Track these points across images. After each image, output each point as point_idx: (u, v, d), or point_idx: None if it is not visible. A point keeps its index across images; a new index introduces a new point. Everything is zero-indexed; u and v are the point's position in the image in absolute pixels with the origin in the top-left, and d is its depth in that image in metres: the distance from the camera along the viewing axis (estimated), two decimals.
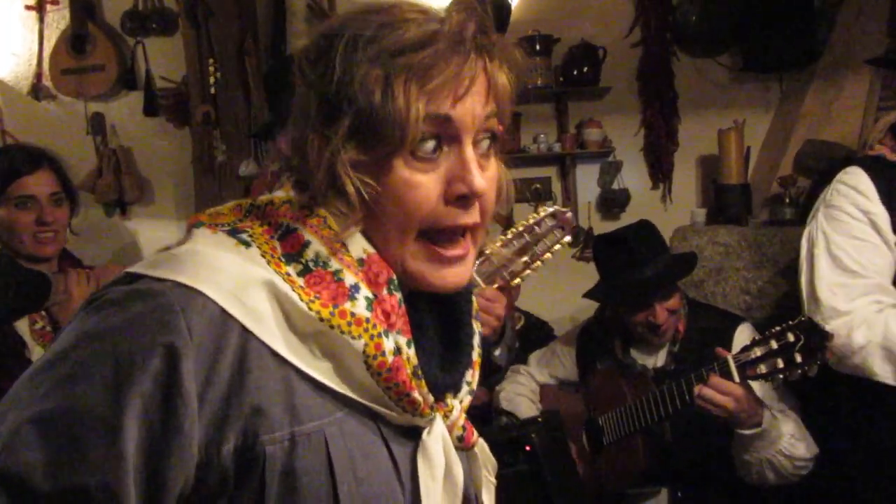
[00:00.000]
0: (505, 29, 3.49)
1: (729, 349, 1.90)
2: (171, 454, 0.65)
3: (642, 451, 1.94)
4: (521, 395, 2.27)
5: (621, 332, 2.13)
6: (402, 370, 0.73)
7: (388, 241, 0.75)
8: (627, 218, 3.49)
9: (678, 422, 1.88)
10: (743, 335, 1.97)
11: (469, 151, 0.74)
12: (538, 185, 3.63)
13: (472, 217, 0.75)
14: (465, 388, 0.83)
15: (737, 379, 1.65)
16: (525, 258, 1.60)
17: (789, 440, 1.78)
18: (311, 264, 0.72)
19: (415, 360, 0.75)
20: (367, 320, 0.72)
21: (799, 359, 1.54)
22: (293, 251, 0.73)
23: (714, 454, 1.89)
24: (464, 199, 0.74)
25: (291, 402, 0.70)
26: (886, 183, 1.71)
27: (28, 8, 3.54)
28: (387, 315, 0.73)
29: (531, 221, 1.61)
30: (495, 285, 1.60)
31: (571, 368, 2.29)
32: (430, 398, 0.77)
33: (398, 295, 0.75)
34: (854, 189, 1.74)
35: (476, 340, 0.87)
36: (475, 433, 0.86)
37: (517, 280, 1.61)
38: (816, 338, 1.54)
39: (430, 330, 0.81)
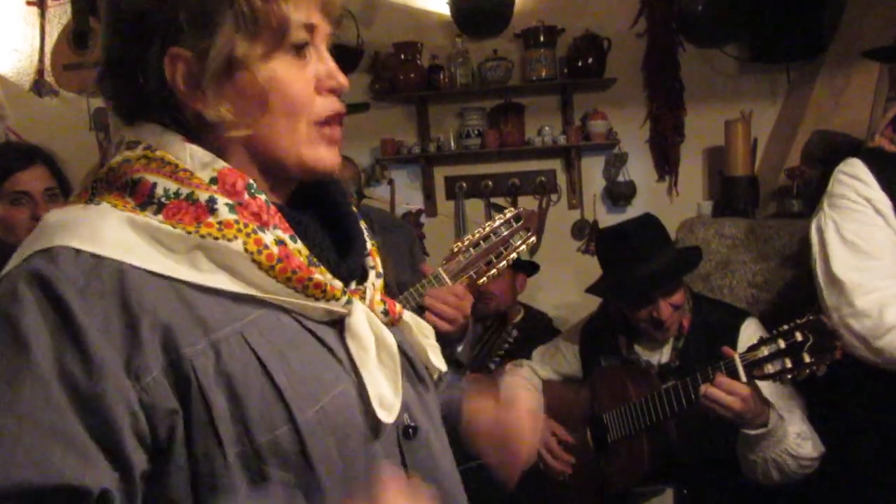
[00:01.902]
0: (508, 21, 3.49)
1: (735, 345, 1.88)
2: (96, 383, 0.68)
3: (647, 450, 1.92)
4: (525, 389, 2.25)
5: (625, 328, 2.10)
6: (292, 258, 0.77)
7: (278, 138, 0.80)
8: (633, 210, 3.47)
9: (684, 421, 1.85)
10: (749, 330, 1.94)
11: (328, 54, 0.84)
12: (543, 178, 3.62)
13: (342, 106, 0.85)
14: (371, 273, 0.90)
15: (743, 378, 1.62)
16: (490, 258, 1.67)
17: (795, 440, 1.75)
18: (163, 200, 0.75)
19: (306, 251, 0.79)
20: (237, 221, 0.75)
21: (808, 359, 1.51)
22: (144, 198, 0.75)
23: (719, 453, 1.87)
24: (335, 92, 0.84)
25: (196, 314, 0.73)
26: (886, 172, 1.71)
27: (29, 3, 3.53)
28: (256, 215, 0.77)
29: (497, 223, 1.68)
30: (461, 282, 1.67)
31: (575, 364, 2.28)
32: (338, 283, 0.81)
33: (261, 197, 0.78)
34: (854, 178, 1.73)
35: (363, 226, 0.94)
36: (398, 305, 0.92)
37: (482, 279, 1.67)
38: (826, 337, 1.51)
39: (311, 224, 0.86)
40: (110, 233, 0.72)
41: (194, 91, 0.77)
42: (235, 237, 0.74)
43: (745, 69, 3.41)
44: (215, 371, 0.72)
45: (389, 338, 0.85)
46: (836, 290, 1.69)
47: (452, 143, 3.62)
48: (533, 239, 1.66)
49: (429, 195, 3.72)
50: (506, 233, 1.66)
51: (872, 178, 1.71)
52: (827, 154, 2.88)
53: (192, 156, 0.77)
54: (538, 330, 2.90)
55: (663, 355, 2.04)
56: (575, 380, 2.28)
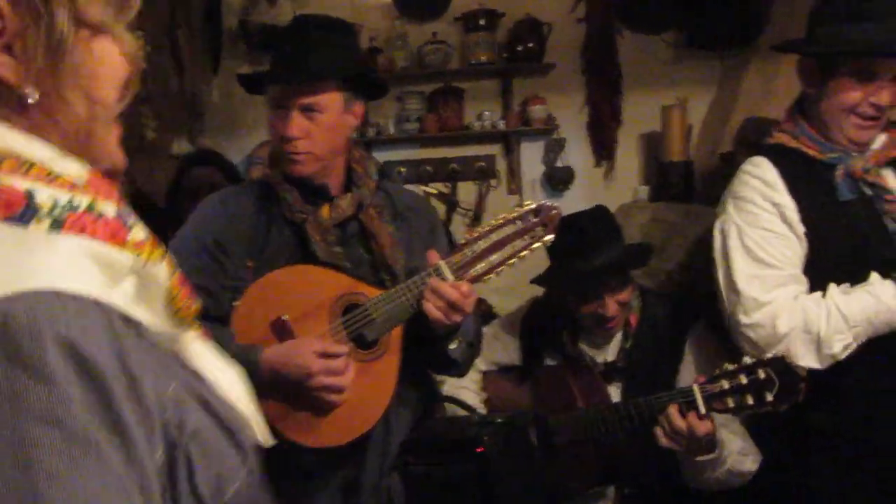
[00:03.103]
0: (448, 4, 3.45)
1: (682, 353, 1.90)
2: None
3: (594, 455, 1.90)
4: (464, 386, 2.18)
5: (570, 323, 2.04)
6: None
7: (95, 134, 0.67)
8: (571, 195, 3.49)
9: (633, 435, 1.82)
10: (698, 338, 1.93)
11: None
12: (482, 164, 3.60)
13: None
14: None
15: (703, 410, 1.60)
16: (501, 253, 1.54)
17: (737, 458, 1.75)
18: (58, 214, 0.59)
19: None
20: (146, 240, 0.65)
21: (770, 398, 1.50)
22: (16, 211, 0.58)
23: (662, 454, 1.83)
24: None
25: (156, 363, 0.64)
26: (791, 171, 1.69)
27: None
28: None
29: (513, 215, 1.56)
30: (467, 278, 1.54)
31: (514, 353, 2.20)
32: None
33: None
34: (761, 180, 1.71)
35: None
36: None
37: (490, 276, 1.55)
38: (790, 378, 1.50)
39: None
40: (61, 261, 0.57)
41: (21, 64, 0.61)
42: (161, 261, 0.65)
43: (680, 56, 3.46)
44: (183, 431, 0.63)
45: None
46: (734, 299, 1.69)
47: (391, 128, 3.56)
48: (551, 237, 1.53)
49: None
50: (520, 227, 1.54)
51: (779, 180, 1.69)
52: (759, 140, 2.95)
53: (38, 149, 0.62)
54: (480, 316, 2.88)
55: (609, 353, 1.99)
56: (513, 369, 2.22)
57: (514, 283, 3.40)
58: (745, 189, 1.73)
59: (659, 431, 1.65)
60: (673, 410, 1.62)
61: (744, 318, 1.67)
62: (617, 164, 3.56)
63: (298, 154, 1.56)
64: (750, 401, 1.52)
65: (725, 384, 1.55)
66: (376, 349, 1.57)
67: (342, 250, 1.59)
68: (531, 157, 3.62)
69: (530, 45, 3.40)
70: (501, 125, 3.51)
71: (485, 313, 3.03)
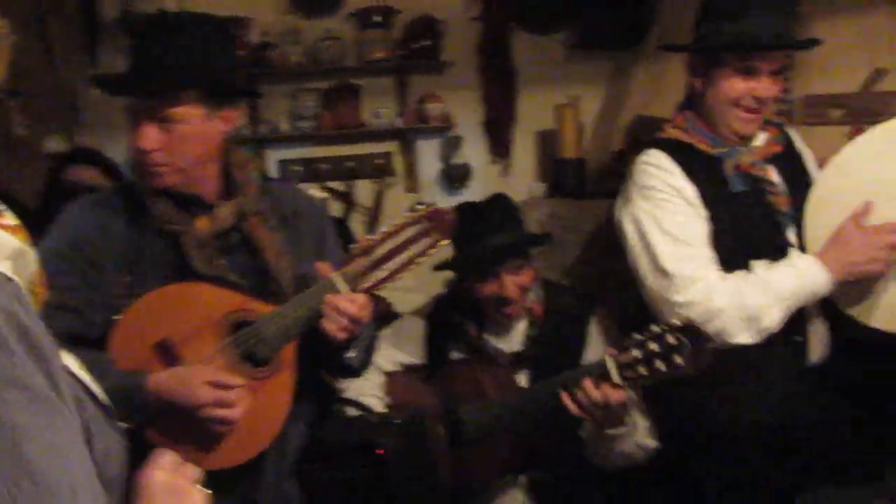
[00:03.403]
0: (342, 0, 3.38)
1: (584, 336, 1.93)
2: None
3: (506, 446, 1.89)
4: (365, 395, 2.11)
5: (475, 314, 2.04)
6: None
7: None
8: (469, 193, 3.50)
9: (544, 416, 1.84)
10: (599, 323, 1.97)
11: None
12: (380, 161, 3.56)
13: None
14: None
15: (617, 380, 1.59)
16: (397, 260, 1.49)
17: (644, 432, 1.80)
18: None
19: None
20: None
21: (679, 361, 1.50)
22: None
23: (571, 438, 1.89)
24: None
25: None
26: (685, 162, 1.76)
27: None
28: None
29: (407, 220, 1.51)
30: (363, 289, 1.48)
31: (418, 352, 2.18)
32: None
33: None
34: (660, 168, 1.76)
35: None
36: None
37: (380, 286, 1.49)
38: (699, 339, 1.51)
39: None
40: None
41: None
42: (31, 246, 0.70)
43: (572, 56, 3.53)
44: None
45: None
46: (664, 282, 1.71)
47: (286, 125, 3.47)
48: (445, 243, 1.48)
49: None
50: (415, 233, 1.49)
51: (675, 167, 1.75)
52: (648, 138, 3.04)
53: None
54: (378, 316, 2.84)
55: (515, 343, 1.99)
56: (419, 368, 2.20)
57: (415, 281, 3.42)
58: (647, 178, 1.77)
59: (574, 406, 1.64)
60: (588, 383, 1.61)
61: (678, 297, 1.68)
62: (513, 162, 3.60)
63: (156, 166, 1.45)
64: (662, 367, 1.52)
65: (637, 353, 1.55)
66: (269, 367, 1.50)
67: (225, 262, 1.50)
68: (428, 154, 3.61)
69: (426, 42, 3.39)
70: (398, 123, 3.49)
71: (384, 313, 2.99)
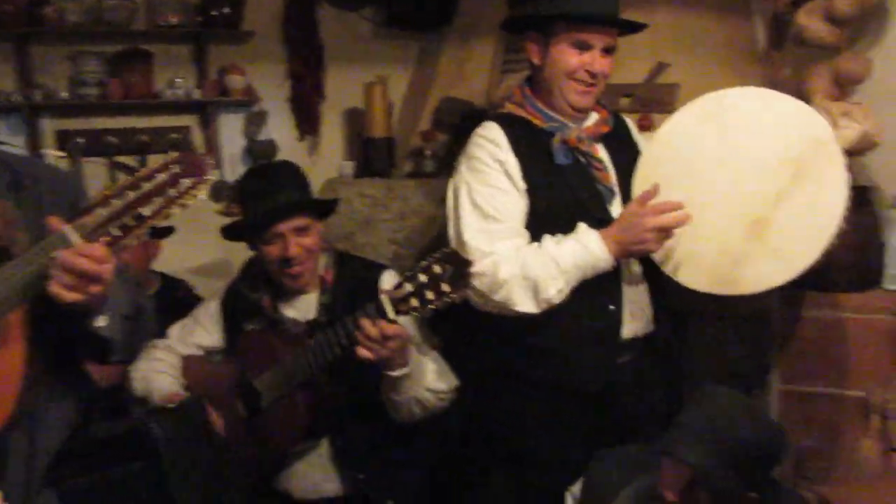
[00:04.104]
0: None
1: (377, 295, 1.93)
2: None
3: (303, 406, 1.89)
4: (160, 371, 2.03)
5: (268, 287, 2.04)
6: None
7: None
8: None
9: (336, 369, 1.84)
10: (389, 280, 1.99)
11: None
12: (176, 136, 3.32)
13: None
14: None
15: (392, 316, 1.65)
16: (142, 211, 1.29)
17: (433, 375, 1.87)
18: None
19: None
20: None
21: (447, 288, 1.58)
22: None
23: (369, 396, 1.91)
24: None
25: None
26: (516, 135, 1.87)
27: None
28: None
29: (152, 168, 1.31)
30: (103, 242, 1.27)
31: (217, 335, 2.13)
32: None
33: None
34: (489, 140, 1.87)
35: None
36: None
37: (130, 239, 1.29)
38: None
39: None
40: None
41: None
42: None
43: (380, 34, 3.51)
44: None
45: None
46: (462, 251, 1.77)
47: (65, 92, 3.12)
48: (203, 191, 1.32)
49: (36, 152, 3.16)
50: (163, 180, 1.30)
51: (504, 140, 1.85)
52: (454, 119, 3.11)
53: None
54: (178, 300, 2.69)
55: (309, 312, 2.00)
56: (219, 352, 2.13)
57: (214, 263, 3.25)
58: (475, 149, 1.88)
59: (365, 342, 1.68)
60: (365, 321, 1.67)
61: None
62: (321, 140, 3.52)
63: None
64: (431, 296, 1.59)
65: (409, 287, 1.62)
66: None
67: None
68: (231, 129, 3.42)
69: (226, 10, 3.20)
70: (197, 94, 3.26)
71: (185, 296, 2.82)
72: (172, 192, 1.30)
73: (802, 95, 2.24)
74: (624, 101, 2.75)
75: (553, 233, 1.82)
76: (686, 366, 2.11)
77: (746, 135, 1.76)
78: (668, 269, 1.85)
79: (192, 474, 1.78)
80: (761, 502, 1.55)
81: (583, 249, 1.77)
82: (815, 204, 1.67)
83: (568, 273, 1.77)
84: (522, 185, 1.84)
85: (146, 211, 1.29)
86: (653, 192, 1.77)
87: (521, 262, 1.78)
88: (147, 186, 1.29)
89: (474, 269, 1.72)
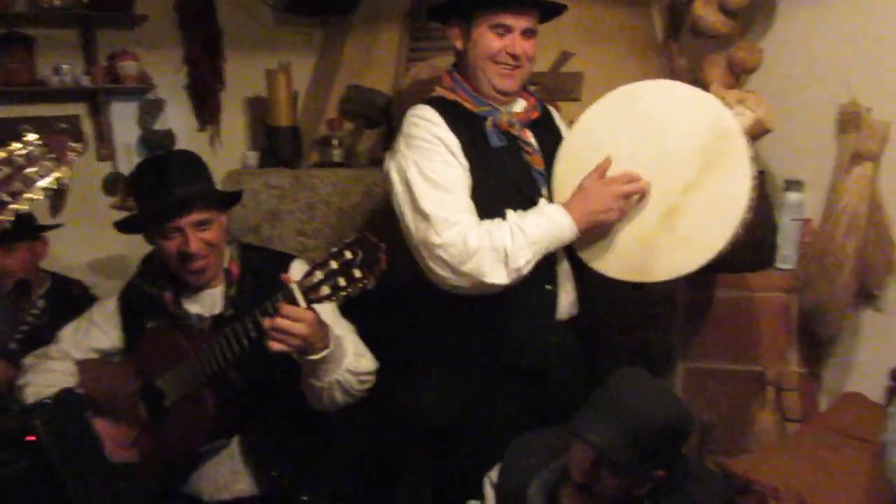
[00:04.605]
0: None
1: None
2: None
3: (210, 404, 1.82)
4: (53, 385, 1.87)
5: (170, 283, 1.95)
6: None
7: None
8: None
9: (244, 363, 1.77)
10: (297, 269, 1.95)
11: None
12: (64, 125, 3.12)
13: None
14: None
15: (303, 304, 1.60)
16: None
17: (353, 357, 1.83)
18: None
19: None
20: None
21: (358, 274, 1.53)
22: None
23: (280, 390, 1.87)
24: None
25: None
26: (450, 116, 1.89)
27: None
28: None
29: (10, 149, 1.25)
30: None
31: (116, 335, 2.01)
32: None
33: None
34: (425, 119, 1.89)
35: None
36: None
37: None
38: (372, 250, 1.54)
39: None
40: None
41: None
42: None
43: (282, 20, 3.40)
44: None
45: None
46: (424, 225, 1.81)
47: None
48: (58, 172, 1.26)
49: None
50: (23, 163, 1.25)
51: (441, 120, 1.87)
52: (361, 107, 3.05)
53: None
54: (72, 300, 2.57)
55: (215, 307, 1.93)
56: (118, 353, 2.02)
57: (110, 259, 3.09)
58: (414, 129, 1.89)
59: (274, 334, 1.62)
60: (281, 309, 1.61)
61: (436, 239, 1.78)
62: (223, 129, 3.39)
63: None
64: (343, 282, 1.55)
65: (320, 274, 1.57)
66: None
67: None
68: (124, 118, 3.25)
69: None
70: (86, 81, 3.08)
71: (79, 295, 2.67)
72: (32, 174, 1.24)
73: (699, 84, 2.33)
74: (530, 89, 2.77)
75: (491, 215, 1.83)
76: (602, 348, 2.16)
77: (658, 126, 1.82)
78: (584, 257, 1.89)
79: (86, 473, 1.70)
80: (669, 480, 1.60)
81: (548, 221, 1.81)
82: (723, 194, 1.74)
83: (536, 244, 1.79)
84: (465, 162, 1.86)
85: (4, 196, 1.23)
86: (607, 164, 1.83)
87: (488, 232, 1.78)
88: (6, 170, 1.23)
89: (441, 239, 1.75)
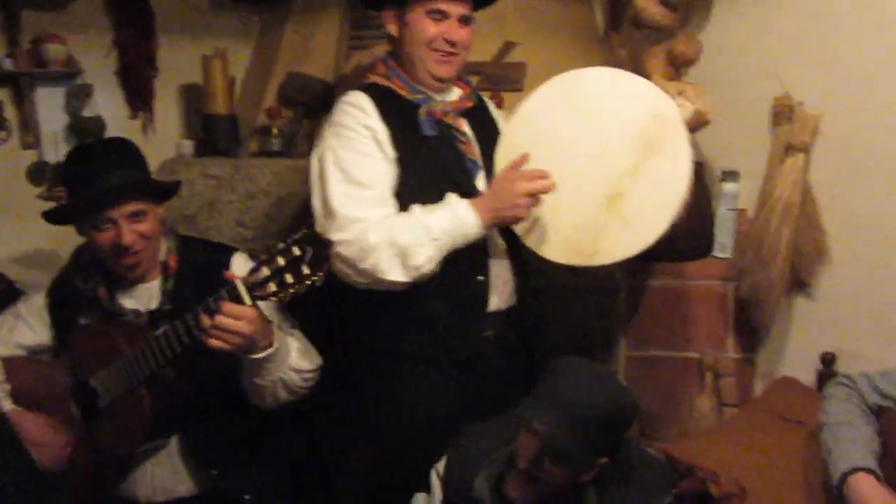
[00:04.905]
0: None
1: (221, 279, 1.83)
2: None
3: (147, 403, 1.76)
4: None
5: (104, 277, 1.88)
6: None
7: None
8: None
9: (183, 361, 1.72)
10: (239, 263, 1.91)
11: None
12: None
13: None
14: None
15: (248, 302, 1.55)
16: None
17: (297, 354, 1.80)
18: None
19: None
20: None
21: (307, 271, 1.50)
22: None
23: (221, 388, 1.83)
24: None
25: None
26: (383, 104, 1.86)
27: None
28: None
29: None
30: None
31: (44, 331, 1.93)
32: None
33: None
34: (356, 107, 1.85)
35: None
36: None
37: None
38: (320, 247, 1.50)
39: None
40: None
41: None
42: None
43: (217, 5, 3.30)
44: None
45: None
46: (329, 221, 1.78)
47: None
48: None
49: None
50: None
51: (374, 109, 1.85)
52: (300, 95, 3.00)
53: None
54: None
55: (152, 301, 1.87)
56: (46, 350, 1.94)
57: (37, 252, 2.96)
58: (342, 116, 1.85)
59: (216, 332, 1.57)
60: (223, 307, 1.56)
61: (337, 235, 1.74)
62: (156, 117, 3.27)
63: None
64: (290, 279, 1.51)
65: (266, 271, 1.53)
66: None
67: None
68: (50, 104, 3.08)
69: None
70: (8, 65, 2.93)
71: (3, 289, 2.55)
72: None
73: (640, 75, 2.35)
74: (473, 80, 2.77)
75: (420, 202, 1.81)
76: (542, 337, 2.17)
77: (600, 112, 1.84)
78: (529, 242, 1.89)
79: (13, 477, 1.63)
80: (613, 466, 1.62)
81: (452, 216, 1.77)
82: (663, 177, 1.76)
83: (438, 241, 1.76)
84: (392, 153, 1.83)
85: None
86: (522, 159, 1.81)
87: (389, 228, 1.75)
88: None
89: (341, 236, 1.71)
